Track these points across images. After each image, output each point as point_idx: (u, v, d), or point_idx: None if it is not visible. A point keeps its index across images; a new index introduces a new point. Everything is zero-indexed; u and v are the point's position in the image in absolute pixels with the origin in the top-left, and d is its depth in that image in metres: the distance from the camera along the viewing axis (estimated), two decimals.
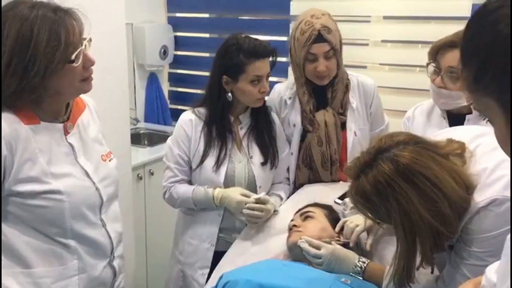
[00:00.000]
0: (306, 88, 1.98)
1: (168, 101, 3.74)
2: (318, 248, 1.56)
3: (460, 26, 0.88)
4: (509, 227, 1.06)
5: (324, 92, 2.00)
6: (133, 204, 2.50)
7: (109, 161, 1.51)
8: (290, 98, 2.05)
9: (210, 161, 1.89)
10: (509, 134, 0.72)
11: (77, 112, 1.46)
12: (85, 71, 1.33)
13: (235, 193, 1.85)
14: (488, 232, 1.17)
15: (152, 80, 3.60)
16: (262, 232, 1.86)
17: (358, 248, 1.66)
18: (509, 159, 0.76)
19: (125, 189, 2.24)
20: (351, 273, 1.51)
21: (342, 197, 1.87)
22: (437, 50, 1.77)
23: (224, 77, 1.86)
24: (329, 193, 1.93)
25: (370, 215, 1.27)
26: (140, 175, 2.87)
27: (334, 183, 2.02)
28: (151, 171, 2.94)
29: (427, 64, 1.82)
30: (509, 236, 0.84)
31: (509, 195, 1.12)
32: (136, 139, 3.25)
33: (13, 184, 1.27)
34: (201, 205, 1.92)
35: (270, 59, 1.87)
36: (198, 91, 3.36)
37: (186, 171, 1.95)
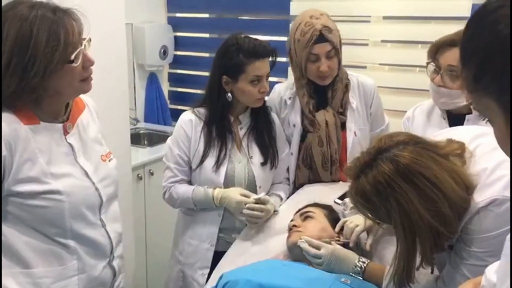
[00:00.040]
0: (306, 89, 1.97)
1: (168, 101, 3.74)
2: (318, 248, 1.56)
3: (460, 26, 0.88)
4: (509, 227, 1.06)
5: (324, 92, 2.00)
6: (133, 204, 2.50)
7: (109, 161, 1.51)
8: (290, 98, 2.05)
9: (210, 161, 1.89)
10: (509, 134, 0.72)
11: (76, 112, 1.45)
12: (84, 71, 1.33)
13: (235, 193, 1.85)
14: (488, 232, 1.17)
15: (152, 80, 3.60)
16: (262, 232, 1.86)
17: (358, 248, 1.66)
18: (509, 159, 0.76)
19: (125, 189, 2.24)
20: (351, 273, 1.51)
21: (342, 197, 1.87)
22: (437, 49, 1.78)
23: (224, 77, 1.86)
24: (329, 193, 1.93)
25: (370, 215, 1.27)
26: (140, 175, 2.87)
27: (334, 183, 2.02)
28: (151, 171, 2.94)
29: (427, 64, 1.82)
30: (509, 236, 0.84)
31: (509, 195, 1.12)
32: (136, 139, 3.25)
33: (12, 184, 1.27)
34: (201, 205, 1.92)
35: (270, 59, 1.87)
36: (198, 91, 3.36)
37: (186, 171, 1.95)
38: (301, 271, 1.53)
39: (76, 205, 1.36)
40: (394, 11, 2.79)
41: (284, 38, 2.72)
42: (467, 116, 1.80)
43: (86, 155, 1.43)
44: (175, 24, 3.57)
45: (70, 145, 1.39)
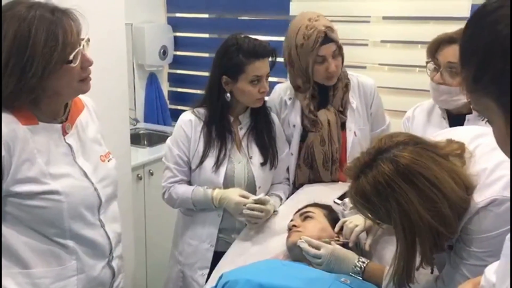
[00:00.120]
0: (310, 92, 1.96)
1: (168, 101, 3.74)
2: (317, 248, 1.56)
3: (460, 27, 0.88)
4: (509, 227, 1.06)
5: (325, 91, 2.00)
6: (132, 204, 2.50)
7: (108, 161, 1.51)
8: (290, 98, 2.04)
9: (209, 162, 1.89)
10: (508, 135, 0.72)
11: (75, 112, 1.45)
12: (83, 71, 1.33)
13: (234, 194, 1.85)
14: (487, 232, 1.17)
15: (152, 80, 3.60)
16: (262, 232, 1.86)
17: (357, 248, 1.66)
18: (508, 159, 0.76)
19: (124, 190, 2.24)
20: (350, 273, 1.51)
21: (341, 197, 1.87)
22: (436, 47, 1.78)
23: (223, 77, 1.86)
24: (328, 193, 1.93)
25: (369, 215, 1.27)
26: (139, 175, 2.87)
27: (334, 183, 2.02)
28: (151, 171, 2.94)
29: (427, 63, 1.82)
30: (508, 236, 0.84)
31: (508, 195, 1.12)
32: (136, 139, 3.25)
33: (11, 185, 1.27)
34: (200, 205, 1.92)
35: (270, 59, 1.86)
36: (198, 92, 3.36)
37: (186, 171, 1.95)
38: (300, 271, 1.53)
39: (75, 206, 1.36)
40: (394, 11, 2.79)
41: (284, 39, 2.72)
42: (467, 116, 1.80)
43: (85, 156, 1.43)
44: (175, 24, 3.57)
45: (69, 145, 1.39)
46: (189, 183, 1.97)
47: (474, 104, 0.78)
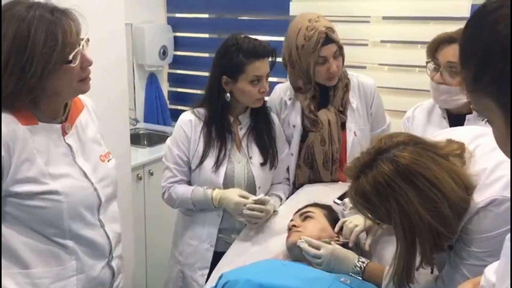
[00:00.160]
0: (311, 92, 1.96)
1: (168, 102, 3.74)
2: (317, 248, 1.56)
3: (459, 27, 0.88)
4: (509, 227, 1.06)
5: (326, 91, 2.00)
6: (132, 204, 2.50)
7: (108, 161, 1.51)
8: (290, 99, 2.04)
9: (209, 162, 1.89)
10: (508, 135, 0.72)
11: (75, 112, 1.45)
12: (82, 71, 1.33)
13: (234, 194, 1.85)
14: (487, 232, 1.17)
15: (152, 80, 3.60)
16: (262, 232, 1.86)
17: (357, 248, 1.66)
18: (508, 159, 0.76)
19: (124, 190, 2.24)
20: (350, 273, 1.51)
21: (341, 197, 1.87)
22: (436, 46, 1.78)
23: (223, 77, 1.86)
24: (328, 193, 1.93)
25: (369, 215, 1.27)
26: (139, 176, 2.87)
27: (334, 183, 2.02)
28: (151, 171, 2.94)
29: (427, 63, 1.82)
30: (508, 236, 0.84)
31: (508, 195, 1.12)
32: (136, 139, 3.25)
33: (10, 185, 1.27)
34: (200, 205, 1.92)
35: (270, 59, 1.86)
36: (198, 92, 3.36)
37: (185, 171, 1.95)
38: (300, 271, 1.53)
39: (74, 206, 1.36)
40: (394, 12, 2.79)
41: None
42: (467, 116, 1.80)
43: (85, 156, 1.43)
44: (174, 24, 3.57)
45: (69, 145, 1.39)
46: (189, 183, 1.97)
47: (474, 104, 0.78)
